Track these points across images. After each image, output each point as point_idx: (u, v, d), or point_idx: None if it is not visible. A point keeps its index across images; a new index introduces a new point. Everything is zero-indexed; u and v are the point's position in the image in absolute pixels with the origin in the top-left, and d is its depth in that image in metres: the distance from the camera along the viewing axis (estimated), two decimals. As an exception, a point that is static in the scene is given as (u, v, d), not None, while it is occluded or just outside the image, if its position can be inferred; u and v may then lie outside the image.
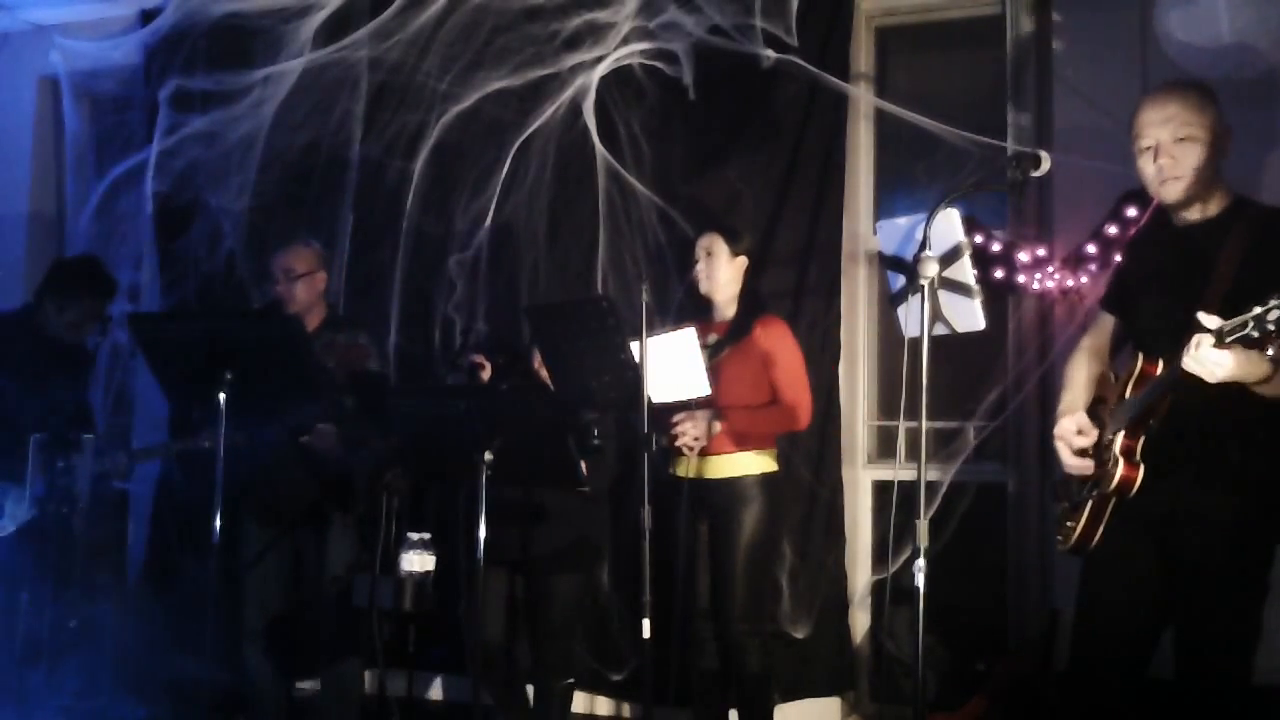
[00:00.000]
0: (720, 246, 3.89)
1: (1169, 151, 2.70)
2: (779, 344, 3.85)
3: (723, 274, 3.90)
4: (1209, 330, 2.32)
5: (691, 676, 3.92)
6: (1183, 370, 2.41)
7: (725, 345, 3.84)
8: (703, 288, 3.94)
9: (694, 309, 4.11)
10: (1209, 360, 2.36)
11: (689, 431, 3.70)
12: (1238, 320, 2.26)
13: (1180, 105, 2.71)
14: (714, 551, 3.78)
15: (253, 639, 4.01)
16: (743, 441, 3.77)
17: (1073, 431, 2.84)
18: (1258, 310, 2.22)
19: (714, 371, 3.76)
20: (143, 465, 4.84)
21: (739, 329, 3.86)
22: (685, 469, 3.84)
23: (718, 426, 3.72)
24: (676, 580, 3.87)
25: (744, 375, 3.80)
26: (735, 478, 3.77)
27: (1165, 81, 2.91)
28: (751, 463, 3.79)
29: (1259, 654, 2.65)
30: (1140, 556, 2.73)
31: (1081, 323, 3.94)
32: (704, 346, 3.86)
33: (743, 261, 3.93)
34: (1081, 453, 2.83)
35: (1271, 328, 2.20)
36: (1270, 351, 2.25)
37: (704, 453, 3.77)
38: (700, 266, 3.92)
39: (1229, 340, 2.28)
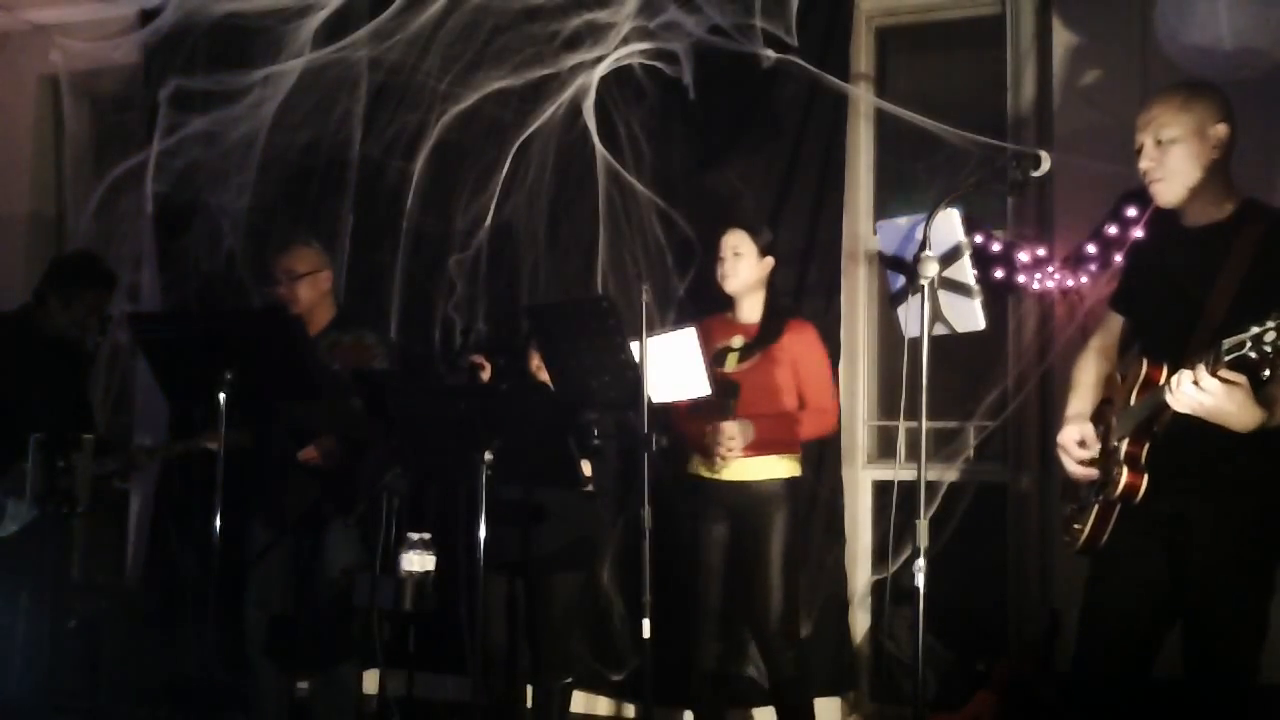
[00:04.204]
0: (749, 246, 3.83)
1: (1150, 154, 2.73)
2: (809, 349, 3.83)
3: (751, 274, 3.84)
4: (1201, 363, 2.33)
5: (693, 678, 3.90)
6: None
7: (755, 349, 3.81)
8: (729, 288, 3.87)
9: (709, 305, 4.07)
10: (1190, 395, 2.38)
11: (725, 441, 3.65)
12: (1234, 340, 2.25)
13: (1162, 107, 2.73)
14: (743, 556, 3.74)
15: (255, 639, 4.01)
16: (770, 445, 3.73)
17: (1075, 441, 2.85)
18: (1255, 330, 2.21)
19: (743, 375, 3.74)
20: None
21: (769, 333, 3.81)
22: (707, 469, 3.79)
23: (751, 434, 3.67)
24: (688, 580, 3.84)
25: (775, 381, 3.77)
26: (761, 481, 3.74)
27: (1167, 84, 2.92)
28: (778, 466, 3.76)
29: (1265, 653, 2.65)
30: (1147, 557, 2.73)
31: (1081, 323, 3.94)
32: (730, 349, 3.84)
33: (769, 261, 3.87)
34: (1085, 461, 2.84)
35: (1269, 349, 2.19)
36: (1267, 373, 2.24)
37: None
38: (727, 265, 3.85)
39: (1227, 359, 2.27)
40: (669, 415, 3.95)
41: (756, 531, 3.71)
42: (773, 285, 3.92)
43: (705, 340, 3.87)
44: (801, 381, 3.81)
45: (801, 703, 3.78)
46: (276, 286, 4.10)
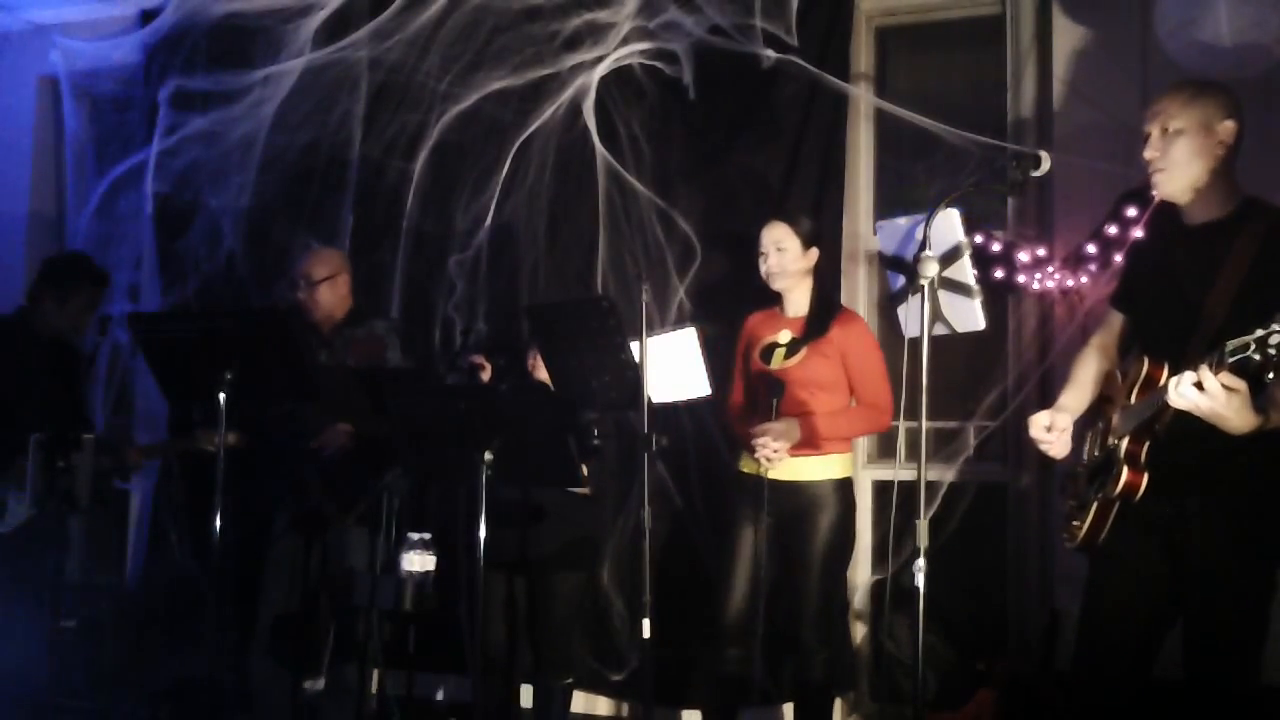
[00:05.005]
0: (792, 240, 3.72)
1: (1155, 144, 2.73)
2: (860, 342, 3.72)
3: (796, 267, 3.74)
4: (1205, 364, 2.33)
5: (705, 680, 3.87)
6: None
7: (802, 344, 3.69)
8: (775, 284, 3.76)
9: (710, 305, 4.03)
10: (1190, 397, 2.38)
11: (770, 444, 3.55)
12: (1239, 342, 2.25)
13: (1169, 99, 2.74)
14: (786, 556, 3.67)
15: (262, 638, 4.01)
16: (820, 444, 3.63)
17: (1042, 426, 2.86)
18: (1260, 333, 2.21)
19: (791, 371, 3.66)
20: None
21: (817, 327, 3.70)
22: (755, 467, 3.67)
23: (797, 432, 3.58)
24: (728, 582, 3.75)
25: (824, 377, 3.67)
26: (811, 481, 3.64)
27: (1176, 79, 2.93)
28: (828, 467, 3.66)
29: (1266, 653, 2.65)
30: (1146, 556, 2.73)
31: (1081, 322, 3.94)
32: (777, 345, 3.76)
33: (815, 253, 3.77)
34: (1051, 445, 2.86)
35: (1273, 351, 2.18)
36: (1271, 375, 2.24)
37: None
38: (770, 260, 3.75)
39: (1231, 361, 2.27)
40: (724, 417, 3.91)
41: (801, 532, 3.63)
42: (820, 276, 3.81)
43: (752, 336, 3.84)
44: (853, 376, 3.70)
45: (824, 703, 3.76)
46: (295, 291, 4.10)
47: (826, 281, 3.85)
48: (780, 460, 3.58)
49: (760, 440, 3.57)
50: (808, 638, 3.63)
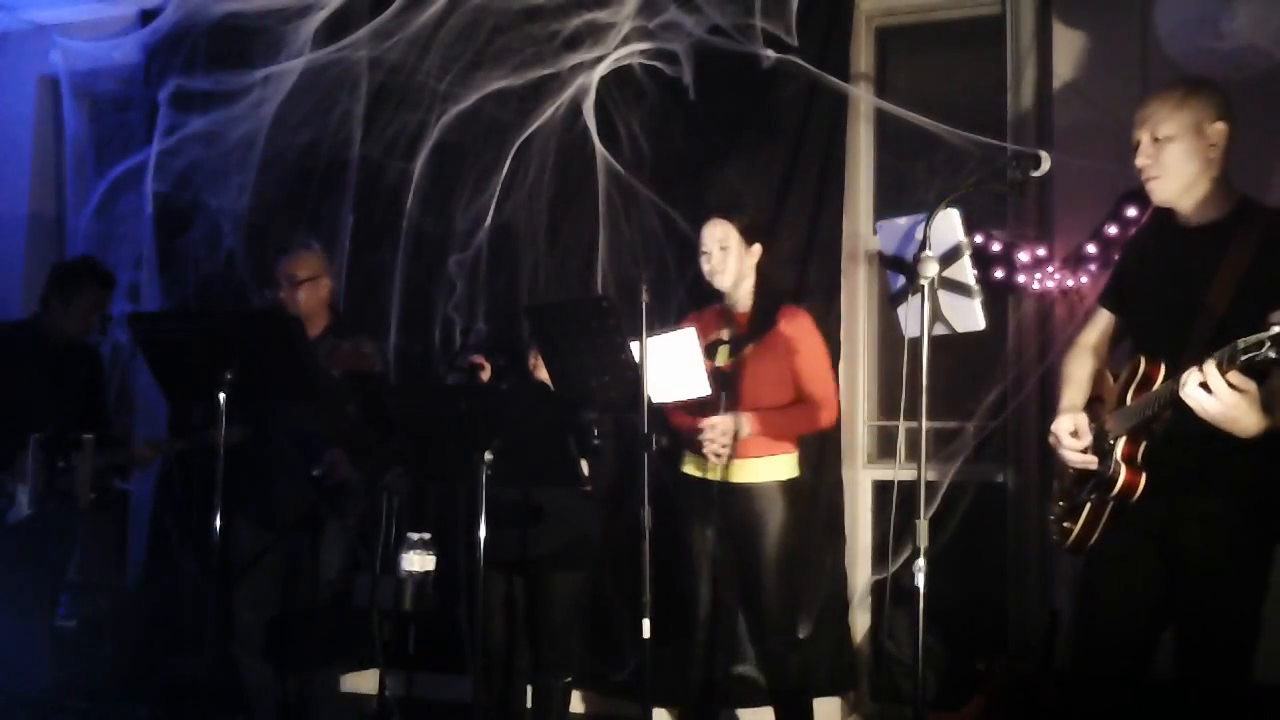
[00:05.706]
0: (734, 237, 3.70)
1: (1146, 151, 2.73)
2: (804, 337, 3.68)
3: (738, 266, 3.71)
4: (1212, 362, 2.32)
5: (683, 679, 3.87)
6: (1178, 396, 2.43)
7: (748, 342, 3.67)
8: (717, 283, 3.74)
9: (702, 298, 4.03)
10: (1197, 398, 2.37)
11: (717, 439, 3.54)
12: (1252, 339, 2.24)
13: (1158, 104, 2.73)
14: (738, 559, 3.66)
15: (246, 641, 4.01)
16: (766, 445, 3.62)
17: (1068, 432, 2.84)
18: (1276, 330, 2.20)
19: (736, 370, 3.63)
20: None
21: (761, 323, 3.67)
22: (699, 469, 3.69)
23: (746, 429, 3.55)
24: (680, 584, 3.78)
25: (769, 373, 3.63)
26: (757, 484, 3.62)
27: (1166, 80, 2.92)
28: (774, 468, 3.64)
29: (1259, 654, 2.65)
30: (1140, 557, 2.73)
31: (1081, 323, 3.94)
32: (722, 342, 3.73)
33: (757, 250, 3.74)
34: (1080, 450, 2.84)
35: None
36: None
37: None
38: (713, 259, 3.72)
39: (1244, 358, 2.27)
40: (662, 412, 3.92)
41: (751, 535, 3.61)
42: (763, 271, 3.76)
43: (700, 333, 3.85)
44: (797, 372, 3.67)
45: (801, 704, 3.76)
46: (277, 290, 4.11)
47: (769, 277, 3.79)
48: (727, 453, 3.55)
49: (707, 435, 3.54)
50: (774, 644, 3.64)
